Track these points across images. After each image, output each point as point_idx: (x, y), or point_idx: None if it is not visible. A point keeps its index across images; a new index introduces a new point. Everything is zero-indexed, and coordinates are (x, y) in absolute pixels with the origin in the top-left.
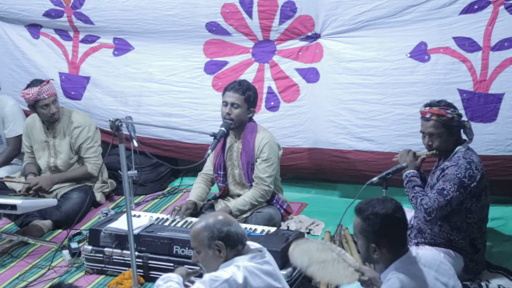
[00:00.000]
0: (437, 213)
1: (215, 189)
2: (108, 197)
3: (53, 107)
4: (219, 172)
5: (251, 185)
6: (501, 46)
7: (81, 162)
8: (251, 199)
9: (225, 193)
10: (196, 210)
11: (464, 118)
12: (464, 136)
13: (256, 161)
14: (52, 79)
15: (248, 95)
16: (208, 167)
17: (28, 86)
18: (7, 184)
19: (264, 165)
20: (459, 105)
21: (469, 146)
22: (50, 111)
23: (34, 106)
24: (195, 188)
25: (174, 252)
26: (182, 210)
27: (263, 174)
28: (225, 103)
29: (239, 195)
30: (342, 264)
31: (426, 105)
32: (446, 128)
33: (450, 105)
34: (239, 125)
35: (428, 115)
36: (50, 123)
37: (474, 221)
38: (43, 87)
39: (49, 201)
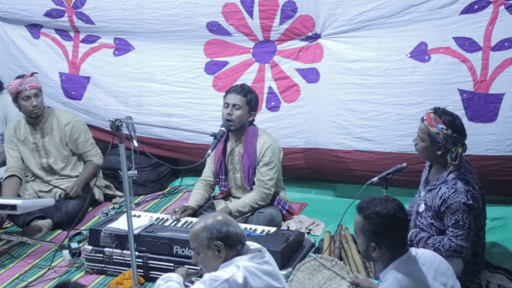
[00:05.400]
0: (466, 245)
1: (215, 190)
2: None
3: (35, 100)
4: (220, 176)
5: (252, 189)
6: (501, 46)
7: (78, 157)
8: (251, 202)
9: (226, 196)
10: (195, 215)
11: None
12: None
13: (258, 165)
14: (36, 73)
15: (249, 97)
16: (207, 173)
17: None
18: None
19: (265, 168)
20: (459, 105)
21: (464, 162)
22: (32, 103)
23: (16, 99)
24: (194, 194)
25: (174, 252)
26: (180, 211)
27: (265, 177)
28: (226, 105)
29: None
30: (335, 281)
31: (432, 108)
32: (430, 138)
33: (448, 122)
34: (239, 127)
35: (424, 117)
36: (36, 122)
37: (473, 233)
38: (26, 79)
39: (47, 201)
